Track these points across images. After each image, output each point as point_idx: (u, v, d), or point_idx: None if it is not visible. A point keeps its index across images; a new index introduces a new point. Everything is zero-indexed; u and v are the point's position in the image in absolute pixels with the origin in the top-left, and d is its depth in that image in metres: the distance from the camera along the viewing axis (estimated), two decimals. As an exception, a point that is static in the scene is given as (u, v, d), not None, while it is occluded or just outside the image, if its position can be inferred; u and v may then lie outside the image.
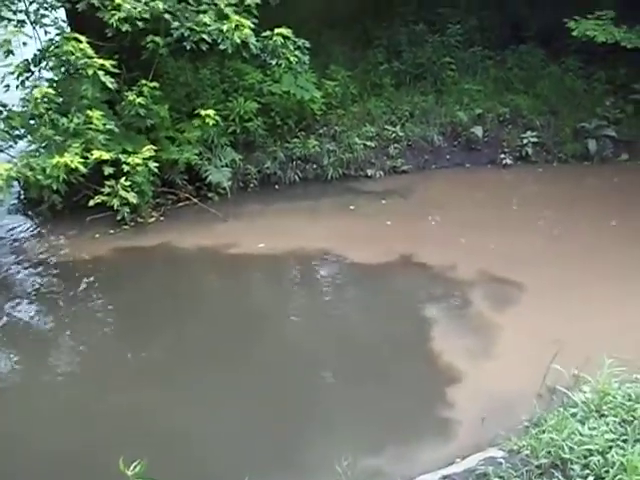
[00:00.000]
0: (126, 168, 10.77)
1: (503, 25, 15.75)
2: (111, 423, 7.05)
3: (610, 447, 5.42)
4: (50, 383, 8.17)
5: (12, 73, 11.70)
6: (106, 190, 10.79)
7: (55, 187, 10.24)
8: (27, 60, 11.91)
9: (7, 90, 11.78)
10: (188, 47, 11.27)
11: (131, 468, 4.20)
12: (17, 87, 11.78)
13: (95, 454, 6.47)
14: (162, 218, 11.82)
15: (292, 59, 11.81)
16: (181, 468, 4.68)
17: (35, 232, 11.80)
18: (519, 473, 5.51)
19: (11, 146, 11.23)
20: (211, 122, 11.55)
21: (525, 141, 13.64)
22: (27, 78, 11.78)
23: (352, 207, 12.07)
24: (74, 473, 6.37)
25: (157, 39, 11.32)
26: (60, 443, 6.81)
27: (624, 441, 5.50)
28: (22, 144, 11.70)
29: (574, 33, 13.12)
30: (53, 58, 10.63)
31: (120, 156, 10.78)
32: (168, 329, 8.99)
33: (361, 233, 11.20)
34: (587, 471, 5.29)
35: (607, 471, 5.18)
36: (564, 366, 6.76)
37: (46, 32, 12.08)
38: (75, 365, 8.69)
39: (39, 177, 9.98)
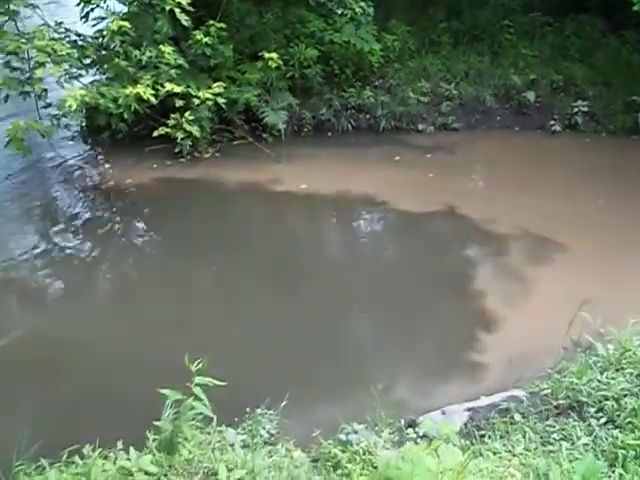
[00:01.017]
0: (196, 102, 11.34)
1: (565, -8, 15.87)
2: (167, 330, 7.77)
3: (625, 395, 5.91)
4: (105, 297, 8.89)
5: (77, 5, 12.33)
6: (171, 122, 11.41)
7: (125, 116, 10.84)
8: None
9: (83, 21, 12.34)
10: None
11: (194, 365, 4.76)
12: (81, 18, 12.34)
13: (158, 356, 7.17)
14: (217, 154, 12.41)
15: (357, 10, 12.20)
16: (232, 372, 5.28)
17: (94, 159, 12.50)
18: (538, 411, 6.09)
19: (81, 74, 11.70)
20: (274, 65, 12.04)
21: (576, 110, 13.83)
22: (92, 10, 12.25)
23: (397, 158, 12.52)
24: (142, 371, 7.03)
25: (227, -19, 11.75)
26: (123, 347, 7.47)
27: (638, 391, 5.96)
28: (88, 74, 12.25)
29: (635, 8, 13.36)
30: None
31: (190, 90, 11.31)
32: (213, 256, 9.57)
33: (404, 183, 11.66)
34: (601, 414, 5.82)
35: (619, 415, 5.69)
36: (591, 323, 7.19)
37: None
38: (127, 283, 9.32)
39: (110, 105, 10.58)
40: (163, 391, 4.86)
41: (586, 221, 10.41)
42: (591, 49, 15.08)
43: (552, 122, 13.89)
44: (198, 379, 4.76)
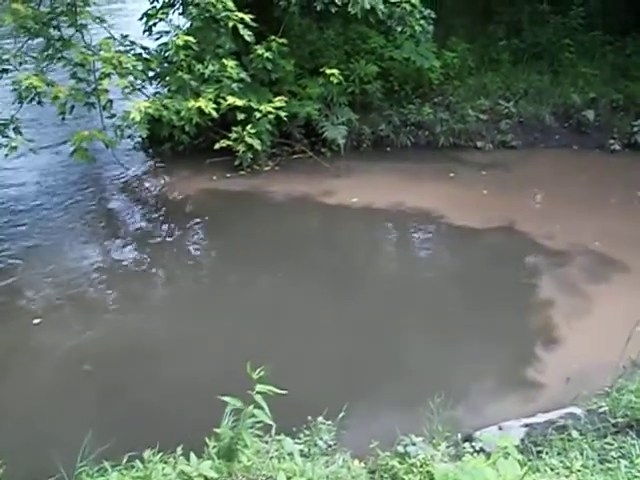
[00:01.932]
0: (257, 115, 11.59)
1: (626, 11, 15.86)
2: (229, 339, 7.99)
3: None
4: (167, 307, 9.03)
5: (140, 19, 12.69)
6: (233, 135, 11.69)
7: (187, 128, 11.09)
8: (155, 7, 12.82)
9: (147, 35, 12.69)
10: (318, 8, 11.80)
11: (256, 373, 4.85)
12: (144, 32, 12.67)
13: (219, 364, 7.40)
14: (277, 167, 12.68)
15: (417, 28, 12.24)
16: (292, 382, 5.42)
17: (155, 170, 12.88)
18: (596, 428, 6.06)
19: (144, 87, 12.01)
20: (335, 80, 12.26)
21: (636, 129, 13.78)
22: (155, 24, 12.54)
23: (452, 174, 12.60)
24: (203, 380, 7.17)
25: (290, -3, 12.00)
26: (185, 356, 7.68)
27: None
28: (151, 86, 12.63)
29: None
30: (193, 7, 11.29)
31: (251, 104, 11.55)
32: (271, 267, 9.65)
33: (460, 198, 11.73)
34: None
35: None
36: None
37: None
38: (188, 292, 9.37)
39: (172, 117, 10.84)
40: (224, 398, 4.96)
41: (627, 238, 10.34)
42: (652, 68, 15.01)
43: (611, 141, 13.87)
44: (259, 387, 4.84)
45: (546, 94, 14.48)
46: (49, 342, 7.95)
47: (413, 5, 12.17)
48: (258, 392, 4.86)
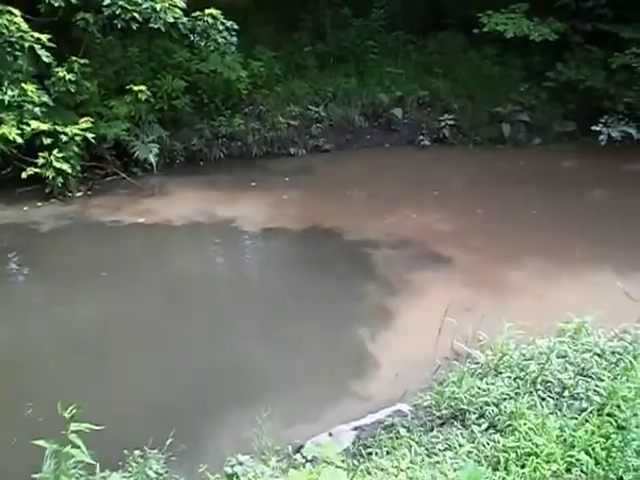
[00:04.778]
0: (64, 139, 11.60)
1: (426, 12, 16.87)
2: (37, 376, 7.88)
3: (504, 399, 6.27)
4: None
5: None
6: (40, 161, 11.60)
7: (-5, 160, 11.06)
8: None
9: None
10: (119, 25, 11.91)
11: (68, 411, 4.77)
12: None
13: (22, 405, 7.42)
14: (89, 192, 12.66)
15: (220, 40, 12.66)
16: (110, 415, 5.37)
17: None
18: (422, 423, 6.35)
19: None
20: (143, 97, 12.44)
21: (443, 124, 14.79)
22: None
23: (253, 184, 13.00)
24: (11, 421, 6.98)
25: (88, 16, 12.11)
26: None
27: (516, 394, 6.34)
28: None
29: (485, 29, 14.48)
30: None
31: (57, 127, 11.57)
32: (89, 292, 9.49)
33: (261, 205, 12.15)
34: (482, 420, 6.12)
35: (499, 419, 6.01)
36: (471, 332, 7.61)
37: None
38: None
39: (-27, 148, 10.79)
40: (38, 442, 4.83)
41: (463, 232, 11.05)
42: (453, 64, 16.08)
43: (421, 137, 14.75)
44: (74, 426, 4.75)
45: (354, 96, 15.14)
46: None
47: (215, 17, 12.57)
48: (72, 431, 4.76)
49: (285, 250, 11.01)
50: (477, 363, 7.13)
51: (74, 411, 4.78)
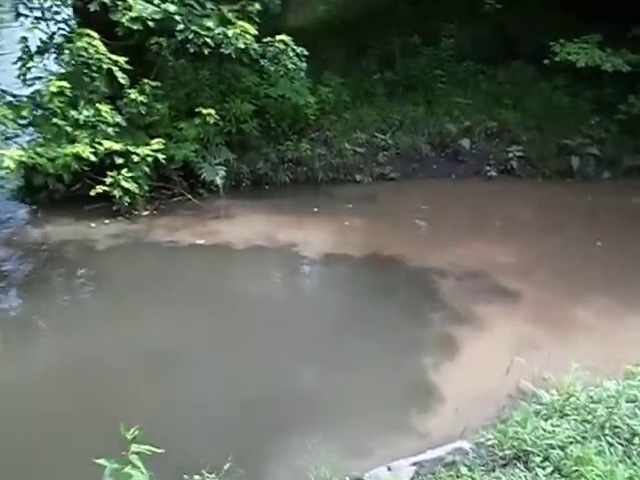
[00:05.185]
0: (135, 159, 11.88)
1: (496, 41, 16.72)
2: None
3: (570, 442, 6.07)
4: (44, 361, 8.83)
5: (15, 63, 12.89)
6: (108, 180, 11.88)
7: (65, 176, 11.35)
8: (29, 52, 12.99)
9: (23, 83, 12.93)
10: (192, 50, 12.18)
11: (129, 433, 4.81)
12: (19, 76, 12.93)
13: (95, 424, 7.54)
14: (155, 212, 12.85)
15: (290, 66, 12.79)
16: (170, 438, 5.46)
17: (33, 219, 12.87)
18: (484, 462, 6.16)
19: (17, 135, 12.18)
20: (212, 120, 12.60)
21: (510, 155, 14.55)
22: (29, 69, 12.87)
23: (315, 209, 13.11)
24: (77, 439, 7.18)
25: (162, 40, 12.39)
26: (48, 423, 7.60)
27: (583, 438, 6.15)
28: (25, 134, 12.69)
29: (557, 58, 14.35)
30: (66, 52, 11.62)
31: (129, 147, 11.83)
32: (158, 315, 9.71)
33: (324, 231, 12.33)
34: (547, 463, 5.92)
35: (565, 463, 5.80)
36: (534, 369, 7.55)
37: (48, 26, 13.31)
38: (68, 346, 9.11)
39: (47, 165, 11.05)
40: (99, 461, 4.85)
41: (529, 266, 10.95)
42: (523, 95, 15.84)
43: (488, 168, 14.57)
44: (134, 447, 4.78)
45: (421, 124, 15.04)
46: None
47: (286, 44, 12.69)
48: (134, 452, 4.79)
49: (347, 276, 11.07)
50: (542, 403, 6.97)
51: (136, 432, 4.79)
